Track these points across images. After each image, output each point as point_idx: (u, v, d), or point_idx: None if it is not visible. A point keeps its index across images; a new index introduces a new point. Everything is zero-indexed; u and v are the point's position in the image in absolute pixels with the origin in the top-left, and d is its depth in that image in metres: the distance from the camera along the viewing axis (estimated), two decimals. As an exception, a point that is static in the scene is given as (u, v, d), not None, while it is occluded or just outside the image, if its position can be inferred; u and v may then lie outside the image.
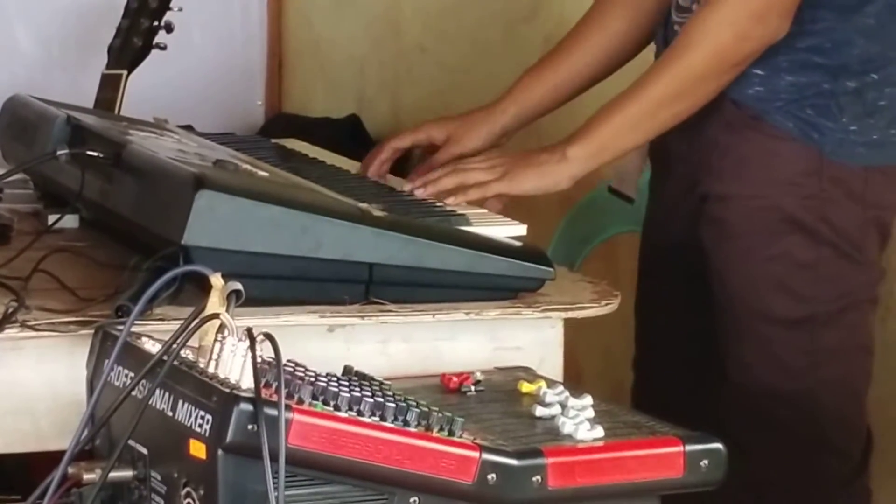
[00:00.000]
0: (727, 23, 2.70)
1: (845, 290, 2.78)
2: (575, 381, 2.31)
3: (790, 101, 2.75)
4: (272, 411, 1.90)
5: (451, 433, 2.01)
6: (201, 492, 1.95)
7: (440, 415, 2.03)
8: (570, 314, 2.49)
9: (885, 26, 2.76)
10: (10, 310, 2.29)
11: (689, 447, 2.09)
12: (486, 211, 2.69)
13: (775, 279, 2.76)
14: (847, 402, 2.82)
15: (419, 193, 2.74)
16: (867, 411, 2.85)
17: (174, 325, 2.04)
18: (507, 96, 2.97)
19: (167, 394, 2.00)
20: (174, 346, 2.01)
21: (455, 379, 2.26)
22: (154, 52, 3.58)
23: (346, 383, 2.08)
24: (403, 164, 2.98)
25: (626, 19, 2.98)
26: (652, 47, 2.98)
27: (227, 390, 1.93)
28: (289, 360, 2.02)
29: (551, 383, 2.25)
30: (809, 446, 2.78)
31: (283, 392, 1.93)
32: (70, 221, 2.70)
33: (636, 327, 2.99)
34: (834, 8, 2.73)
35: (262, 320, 2.11)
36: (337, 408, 1.99)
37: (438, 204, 2.71)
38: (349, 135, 3.97)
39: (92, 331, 2.21)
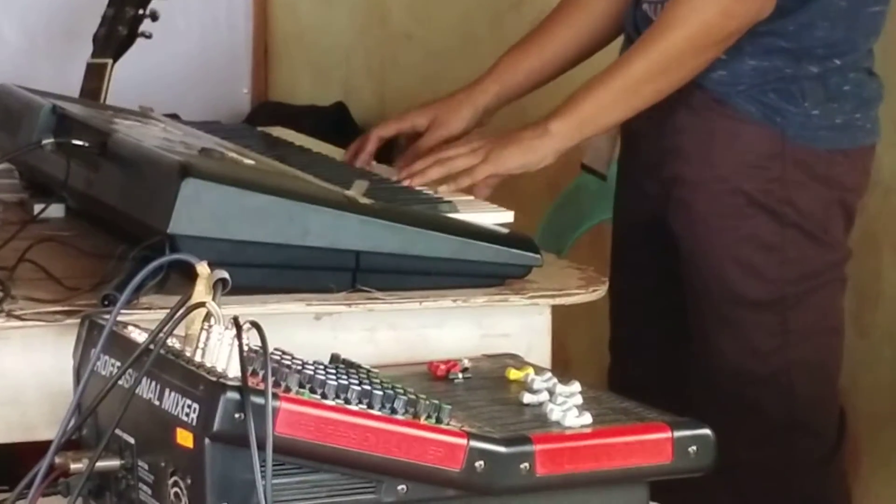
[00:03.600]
0: (706, 5, 2.70)
1: (812, 270, 2.80)
2: (563, 367, 2.31)
3: (753, 85, 2.77)
4: (259, 400, 1.89)
5: (438, 421, 2.01)
6: (188, 481, 1.94)
7: (428, 402, 2.02)
8: (558, 301, 2.49)
9: (853, 11, 2.78)
10: None
11: (678, 433, 2.09)
12: (472, 198, 2.70)
13: (743, 262, 2.78)
14: (819, 383, 2.84)
15: (410, 183, 2.74)
16: (856, 397, 2.86)
17: (161, 314, 2.04)
18: (489, 75, 2.97)
19: (154, 383, 2.00)
20: (161, 334, 2.01)
21: (442, 366, 2.25)
22: (139, 40, 3.60)
23: (334, 371, 2.08)
24: (388, 151, 2.97)
25: (600, 7, 2.99)
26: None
27: (214, 379, 1.92)
28: (276, 349, 2.02)
29: (539, 370, 2.25)
30: (782, 428, 2.80)
31: (270, 380, 1.92)
32: (56, 211, 2.71)
33: (610, 308, 3.00)
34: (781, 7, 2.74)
35: (248, 308, 2.11)
36: (324, 396, 1.98)
37: (425, 191, 2.71)
38: (335, 122, 3.99)
39: (78, 320, 2.20)
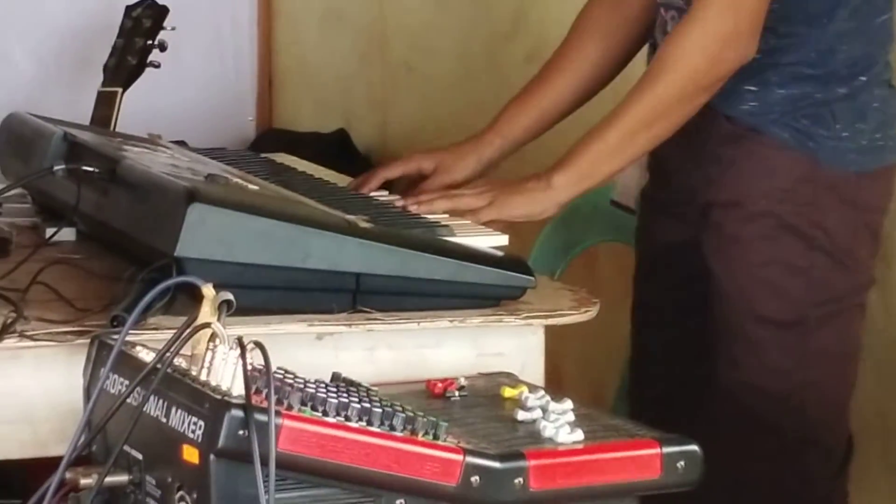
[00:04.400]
0: (699, 48, 2.70)
1: (835, 295, 2.79)
2: (556, 385, 2.31)
3: (785, 112, 2.76)
4: (262, 417, 1.90)
5: (435, 437, 2.02)
6: (194, 495, 1.95)
7: (425, 419, 2.03)
8: (551, 321, 2.49)
9: (863, 26, 2.78)
10: (9, 320, 2.29)
11: (666, 449, 2.10)
12: (468, 222, 2.70)
13: (769, 282, 2.77)
14: (831, 404, 2.83)
15: (412, 210, 2.75)
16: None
17: (167, 335, 2.04)
18: (493, 128, 2.97)
19: (161, 401, 2.00)
20: (167, 354, 2.01)
21: (440, 384, 2.26)
22: (148, 70, 3.58)
23: (335, 389, 2.08)
24: (388, 187, 2.96)
25: (601, 47, 2.99)
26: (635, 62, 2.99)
27: (219, 397, 1.93)
28: (278, 368, 2.02)
29: (533, 388, 2.25)
30: (795, 445, 2.79)
31: (273, 398, 1.92)
32: (67, 234, 2.70)
33: (633, 329, 3.00)
34: (803, 21, 2.74)
35: (252, 329, 2.11)
36: (325, 413, 1.99)
37: (423, 215, 2.71)
38: (337, 149, 3.97)
39: (88, 340, 2.21)
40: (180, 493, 1.97)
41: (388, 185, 2.94)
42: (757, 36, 2.70)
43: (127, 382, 2.06)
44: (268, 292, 2.34)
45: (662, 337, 2.96)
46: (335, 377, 2.20)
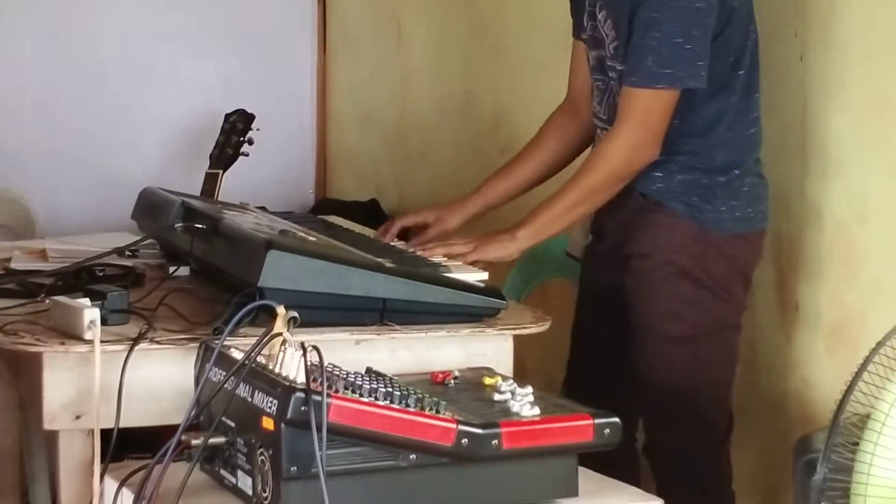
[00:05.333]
0: (617, 153, 2.68)
1: (717, 319, 2.76)
2: (520, 376, 2.29)
3: (681, 192, 2.73)
4: (318, 398, 1.92)
5: (437, 411, 2.02)
6: (270, 452, 1.96)
7: (430, 399, 2.04)
8: (518, 332, 2.48)
9: (737, 136, 2.74)
10: (144, 330, 2.31)
11: (597, 420, 2.10)
12: (460, 263, 2.67)
13: (671, 311, 2.73)
14: (717, 394, 2.79)
15: (421, 254, 2.72)
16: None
17: (252, 340, 2.06)
18: (477, 192, 2.94)
19: (248, 386, 2.02)
20: (252, 354, 2.03)
21: (440, 375, 2.26)
22: (241, 157, 3.58)
23: (367, 379, 2.10)
24: (404, 233, 2.94)
25: (559, 144, 2.95)
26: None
27: (287, 384, 1.95)
28: (329, 364, 2.02)
29: (504, 378, 2.25)
30: (693, 421, 2.76)
31: (325, 385, 1.94)
32: (183, 271, 2.69)
33: (572, 341, 2.94)
34: (694, 133, 2.71)
35: (310, 336, 2.09)
36: (361, 395, 2.00)
37: (430, 259, 2.69)
38: (371, 213, 3.92)
39: (198, 344, 2.22)
40: (260, 450, 1.98)
41: (404, 231, 2.91)
42: (659, 145, 2.68)
43: (224, 373, 2.07)
44: (321, 311, 2.33)
45: (592, 346, 2.91)
46: (368, 370, 2.20)
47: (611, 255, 2.82)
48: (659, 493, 2.23)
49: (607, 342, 2.84)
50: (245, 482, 2.04)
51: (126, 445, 2.24)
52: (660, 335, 2.74)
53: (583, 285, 2.96)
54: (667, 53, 2.62)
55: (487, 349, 2.46)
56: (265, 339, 2.05)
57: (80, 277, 2.56)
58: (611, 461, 2.18)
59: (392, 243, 2.84)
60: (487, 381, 2.24)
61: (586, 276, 2.95)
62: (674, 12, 2.61)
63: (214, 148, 3.58)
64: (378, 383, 2.07)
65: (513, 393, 2.16)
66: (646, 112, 2.66)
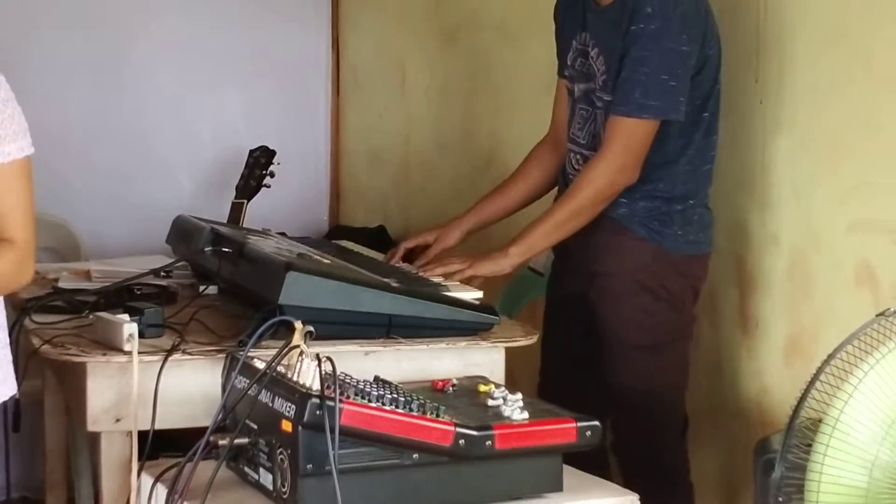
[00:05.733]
0: (602, 175, 2.67)
1: (674, 329, 2.76)
2: (511, 384, 2.29)
3: (643, 217, 2.72)
4: (331, 403, 1.92)
5: (437, 416, 2.02)
6: (288, 451, 1.96)
7: (431, 405, 2.04)
8: (509, 344, 2.49)
9: (695, 171, 2.74)
10: (177, 342, 2.32)
11: (579, 424, 2.10)
12: (458, 283, 2.66)
13: (634, 322, 2.73)
14: (673, 395, 2.79)
15: (423, 275, 2.71)
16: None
17: (273, 352, 2.05)
18: (471, 211, 2.94)
19: (269, 392, 2.01)
20: (273, 364, 2.03)
21: (440, 383, 2.26)
22: (263, 189, 3.57)
23: (375, 386, 2.09)
24: (409, 253, 2.95)
25: (541, 172, 2.94)
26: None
27: (304, 391, 1.95)
28: (341, 373, 2.02)
29: (497, 386, 2.25)
30: (656, 422, 2.76)
31: (338, 392, 1.94)
32: (212, 290, 2.69)
33: (542, 350, 2.92)
34: (659, 165, 2.71)
35: (325, 348, 2.10)
36: (369, 400, 2.00)
37: (431, 279, 2.69)
38: (379, 238, 3.91)
39: (224, 355, 2.21)
40: (280, 450, 1.98)
41: (408, 252, 2.90)
42: (639, 169, 2.68)
43: (248, 381, 2.07)
44: (334, 326, 2.32)
45: (562, 354, 2.88)
46: (376, 378, 2.20)
47: (578, 270, 2.80)
48: (626, 486, 2.22)
49: (575, 350, 2.83)
50: (266, 478, 2.03)
51: (160, 445, 2.25)
52: (624, 343, 2.72)
53: (550, 298, 2.94)
54: (653, 87, 2.63)
55: (482, 360, 2.46)
56: (284, 350, 2.04)
57: (121, 295, 2.57)
58: (584, 458, 2.17)
59: (398, 265, 2.83)
60: (482, 388, 2.23)
61: (554, 290, 2.93)
62: (662, 52, 2.62)
63: (240, 180, 3.57)
64: (385, 390, 2.06)
65: (504, 399, 2.16)
66: (630, 138, 2.66)
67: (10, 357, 2.17)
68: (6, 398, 2.16)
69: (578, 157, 2.81)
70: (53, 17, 3.92)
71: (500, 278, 2.83)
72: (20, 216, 2.04)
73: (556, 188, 2.91)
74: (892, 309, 1.89)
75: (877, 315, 1.89)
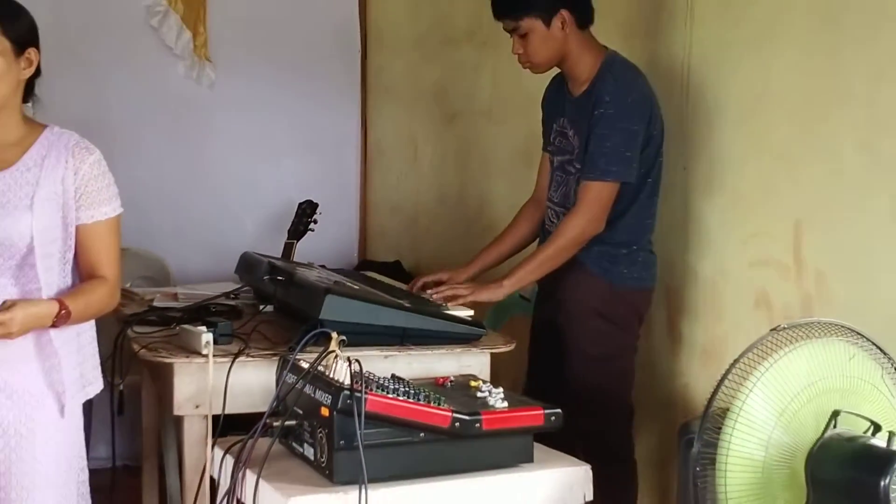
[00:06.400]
0: (576, 226, 2.65)
1: (622, 344, 2.73)
2: (495, 381, 2.28)
3: (597, 258, 2.69)
4: (358, 394, 1.92)
5: (439, 404, 2.02)
6: (326, 431, 1.95)
7: (434, 396, 2.04)
8: (494, 351, 2.47)
9: (638, 223, 2.71)
10: (242, 348, 2.29)
11: (546, 411, 2.09)
12: (458, 304, 2.64)
13: (591, 339, 2.70)
14: (622, 393, 2.76)
15: (434, 298, 2.68)
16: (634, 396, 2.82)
17: (314, 355, 2.05)
18: (475, 262, 2.89)
19: (312, 386, 2.00)
20: (314, 364, 2.03)
21: (441, 380, 2.25)
22: (308, 232, 3.55)
23: (392, 381, 2.09)
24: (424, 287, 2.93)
25: (528, 227, 2.90)
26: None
27: (338, 385, 1.94)
28: (366, 371, 2.01)
29: (484, 382, 2.25)
30: (607, 411, 2.73)
31: (363, 386, 1.94)
32: (269, 308, 2.66)
33: (529, 358, 2.90)
34: (612, 219, 2.68)
35: (354, 352, 2.09)
36: (387, 392, 1.99)
37: (436, 300, 2.67)
38: (395, 270, 3.89)
39: (278, 358, 2.21)
40: (319, 430, 1.97)
41: (425, 285, 2.86)
42: (604, 222, 2.65)
43: (295, 377, 2.06)
44: (361, 336, 2.30)
45: (541, 362, 2.86)
46: (392, 376, 2.19)
47: (550, 299, 2.78)
48: (587, 461, 2.21)
49: (550, 359, 2.81)
50: (309, 451, 2.02)
51: (229, 426, 2.24)
52: (584, 355, 2.70)
53: (535, 319, 2.92)
54: (613, 158, 2.61)
55: (473, 362, 2.45)
56: (323, 354, 2.04)
57: (200, 312, 2.57)
58: (554, 440, 2.17)
59: (415, 292, 2.80)
60: (473, 383, 2.23)
61: (536, 313, 2.91)
62: (618, 130, 2.61)
63: (291, 226, 3.56)
64: (399, 385, 2.06)
65: (490, 392, 2.16)
66: (597, 198, 2.64)
67: (98, 358, 2.14)
68: (99, 391, 2.14)
69: (552, 212, 2.80)
70: (159, 104, 3.96)
71: (488, 303, 2.82)
72: (111, 260, 2.06)
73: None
74: (783, 325, 1.89)
75: (770, 330, 1.89)
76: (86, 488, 2.11)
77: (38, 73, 2.01)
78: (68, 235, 2.02)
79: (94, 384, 2.13)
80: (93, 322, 2.12)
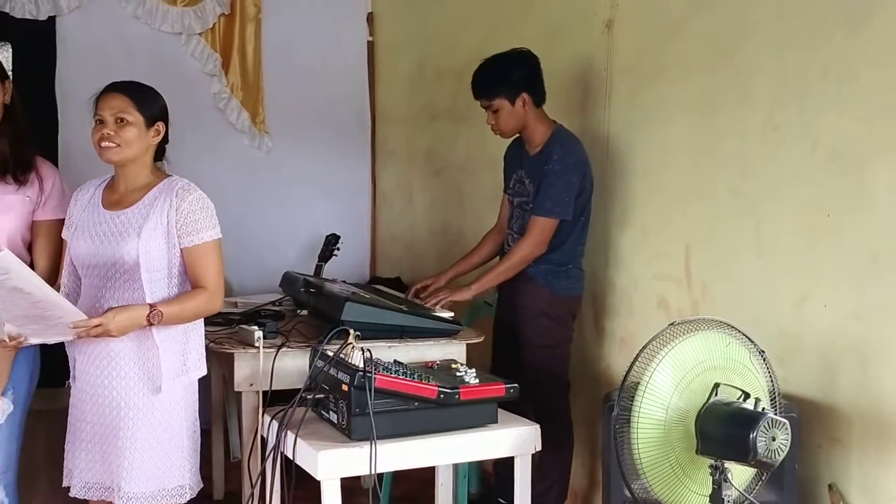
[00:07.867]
0: (526, 248, 2.63)
1: (561, 336, 2.70)
2: (470, 364, 2.27)
3: (543, 273, 2.67)
4: (369, 375, 1.91)
5: (428, 381, 2.00)
6: (345, 402, 1.94)
7: (425, 375, 2.03)
8: (468, 342, 2.45)
9: (572, 248, 2.69)
10: (284, 342, 2.27)
11: (507, 385, 2.09)
12: (442, 308, 2.61)
13: (539, 332, 2.67)
14: (562, 372, 2.72)
15: (425, 305, 2.64)
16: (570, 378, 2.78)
17: (337, 347, 2.04)
18: (451, 269, 2.86)
19: (335, 368, 1.99)
20: (337, 353, 2.02)
21: (430, 363, 2.24)
22: (333, 256, 3.53)
23: (395, 365, 2.08)
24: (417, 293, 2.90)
25: (491, 247, 2.87)
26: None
27: (354, 368, 1.93)
28: (376, 358, 2.00)
29: (462, 364, 2.23)
30: (552, 387, 2.69)
31: (373, 368, 1.93)
32: (304, 313, 2.64)
33: (493, 349, 2.85)
34: (553, 247, 2.66)
35: (366, 344, 2.08)
36: (391, 373, 1.97)
37: (426, 305, 2.64)
38: (396, 284, 3.80)
39: (310, 348, 2.19)
40: (341, 401, 1.95)
41: (418, 290, 2.82)
42: (546, 247, 2.64)
43: (324, 363, 2.04)
44: (371, 332, 2.29)
45: (502, 352, 2.81)
46: (395, 361, 2.17)
47: (508, 304, 2.75)
48: (537, 422, 2.19)
49: (508, 349, 2.77)
50: (333, 417, 2.01)
51: (274, 399, 2.21)
52: (534, 344, 2.67)
53: (496, 319, 2.89)
54: (556, 200, 2.60)
55: (453, 351, 2.43)
56: (343, 346, 2.04)
57: (254, 316, 2.55)
58: (512, 407, 2.14)
59: (410, 298, 2.78)
60: (453, 366, 2.22)
61: (497, 315, 2.88)
62: (562, 181, 2.60)
63: (320, 252, 3.54)
64: (400, 367, 2.05)
65: (466, 372, 2.15)
66: (542, 230, 2.63)
67: (203, 350, 2.12)
68: (202, 375, 2.11)
69: (511, 238, 2.79)
70: (232, 165, 3.92)
71: (465, 305, 2.80)
72: (211, 273, 2.05)
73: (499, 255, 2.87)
74: (677, 321, 1.89)
75: (669, 325, 1.89)
76: (195, 445, 2.05)
77: (166, 139, 2.05)
78: (173, 256, 2.01)
79: (197, 370, 2.08)
80: (201, 322, 2.09)
